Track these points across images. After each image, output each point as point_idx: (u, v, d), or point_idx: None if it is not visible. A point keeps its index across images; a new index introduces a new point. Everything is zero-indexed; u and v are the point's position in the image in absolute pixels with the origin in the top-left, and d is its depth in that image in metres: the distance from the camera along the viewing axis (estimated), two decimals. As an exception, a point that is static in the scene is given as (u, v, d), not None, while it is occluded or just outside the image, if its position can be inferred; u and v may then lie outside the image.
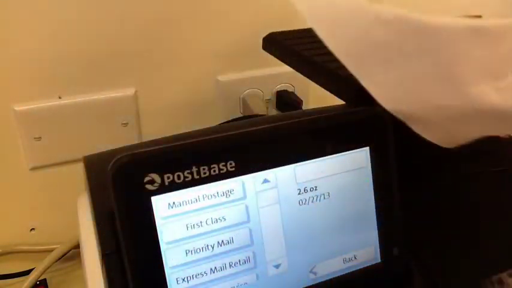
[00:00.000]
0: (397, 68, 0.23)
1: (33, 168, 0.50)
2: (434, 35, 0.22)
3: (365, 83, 0.24)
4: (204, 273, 0.27)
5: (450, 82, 0.23)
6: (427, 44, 0.22)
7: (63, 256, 0.49)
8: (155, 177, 0.25)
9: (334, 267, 0.30)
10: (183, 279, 0.26)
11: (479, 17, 0.32)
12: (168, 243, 0.26)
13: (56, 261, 0.48)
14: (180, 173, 0.25)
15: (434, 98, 0.24)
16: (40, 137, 0.48)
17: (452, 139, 0.27)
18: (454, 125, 0.25)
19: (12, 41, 0.45)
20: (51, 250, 0.49)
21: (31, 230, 0.52)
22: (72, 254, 0.50)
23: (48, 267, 0.47)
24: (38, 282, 0.47)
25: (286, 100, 0.61)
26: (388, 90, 0.24)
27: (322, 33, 0.24)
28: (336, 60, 0.27)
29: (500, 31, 0.22)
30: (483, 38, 0.22)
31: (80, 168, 0.35)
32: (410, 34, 0.22)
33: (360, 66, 0.24)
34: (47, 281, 0.50)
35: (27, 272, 0.47)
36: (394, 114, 0.26)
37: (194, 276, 0.27)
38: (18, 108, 0.47)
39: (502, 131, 0.28)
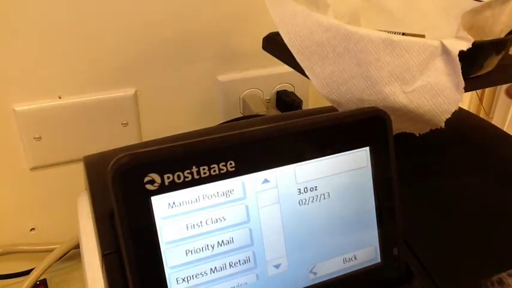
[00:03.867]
0: (331, 64, 0.30)
1: (33, 168, 0.50)
2: (357, 42, 0.29)
3: (308, 73, 0.32)
4: (204, 273, 0.27)
5: (368, 80, 0.30)
6: (352, 48, 0.29)
7: (63, 256, 0.49)
8: (155, 177, 0.25)
9: (334, 267, 0.30)
10: (183, 279, 0.26)
11: (423, 36, 0.39)
12: (168, 243, 0.26)
13: (56, 261, 0.48)
14: (180, 173, 0.25)
15: (357, 91, 0.30)
16: (40, 137, 0.48)
17: None
18: None
19: (12, 41, 0.45)
20: (51, 250, 0.49)
21: (31, 230, 0.52)
22: (72, 254, 0.50)
23: (48, 267, 0.47)
24: (38, 282, 0.47)
25: (286, 100, 0.61)
26: (323, 80, 0.31)
27: (283, 32, 0.32)
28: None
29: (405, 45, 0.28)
30: (393, 49, 0.29)
31: (80, 168, 0.35)
32: (341, 39, 0.29)
33: (305, 59, 0.31)
34: (47, 281, 0.50)
35: (27, 272, 0.48)
36: (328, 101, 0.33)
37: (194, 276, 0.27)
38: (18, 108, 0.47)
39: (413, 129, 0.33)
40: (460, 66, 0.29)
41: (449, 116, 0.30)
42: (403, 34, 0.39)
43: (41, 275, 0.47)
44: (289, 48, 0.32)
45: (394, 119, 0.29)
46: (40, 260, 0.48)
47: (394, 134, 0.31)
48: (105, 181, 0.25)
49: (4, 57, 0.45)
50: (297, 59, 0.32)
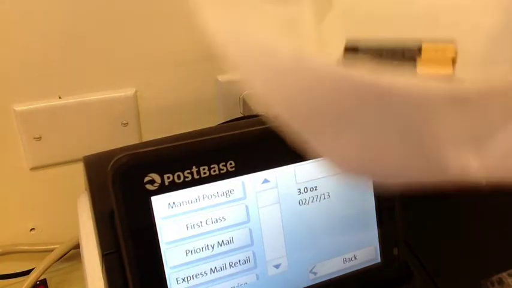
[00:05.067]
0: (353, 134, 0.19)
1: (33, 168, 0.50)
2: (399, 104, 0.18)
3: (315, 148, 0.20)
4: (204, 273, 0.27)
5: (422, 152, 0.19)
6: (389, 112, 0.18)
7: (63, 256, 0.49)
8: (155, 177, 0.25)
9: (334, 267, 0.30)
10: (183, 279, 0.26)
11: (451, 45, 0.27)
12: (168, 243, 0.26)
13: (56, 261, 0.48)
14: (180, 173, 0.25)
15: (398, 170, 0.20)
16: (40, 137, 0.48)
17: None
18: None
19: (12, 41, 0.45)
20: (51, 250, 0.49)
21: (31, 230, 0.52)
22: (72, 254, 0.50)
23: (48, 267, 0.47)
24: (38, 282, 0.47)
25: (286, 100, 0.61)
26: (343, 157, 0.20)
27: (256, 87, 0.19)
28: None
29: (482, 97, 0.18)
30: (464, 105, 0.18)
31: (80, 168, 0.35)
32: (367, 100, 0.18)
33: (306, 132, 0.20)
34: (47, 281, 0.50)
35: (27, 272, 0.47)
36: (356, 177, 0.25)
37: (194, 276, 0.27)
38: (18, 108, 0.47)
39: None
40: None
41: None
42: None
43: (41, 275, 0.47)
44: (273, 111, 0.20)
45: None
46: (40, 260, 0.48)
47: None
48: (105, 181, 0.25)
49: (4, 57, 0.45)
50: (289, 126, 0.20)
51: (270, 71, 0.18)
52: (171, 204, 0.26)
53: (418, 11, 0.30)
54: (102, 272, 0.28)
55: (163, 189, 0.25)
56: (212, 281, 0.27)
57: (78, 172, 0.36)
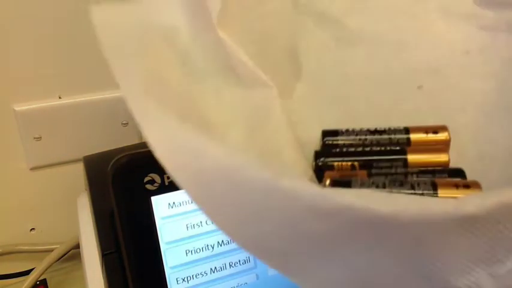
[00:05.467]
0: (341, 265, 0.17)
1: (33, 168, 0.50)
2: (393, 231, 0.15)
3: (297, 281, 0.18)
4: (204, 273, 0.27)
5: (425, 277, 0.17)
6: (384, 241, 0.15)
7: (63, 256, 0.49)
8: (155, 177, 0.25)
9: (334, 267, 0.30)
10: (183, 279, 0.26)
11: (444, 129, 0.24)
12: (168, 243, 0.26)
13: (56, 261, 0.48)
14: (180, 173, 0.25)
15: None
16: (40, 137, 0.48)
17: None
18: None
19: (12, 40, 0.45)
20: (51, 250, 0.49)
21: (31, 230, 0.52)
22: (72, 254, 0.50)
23: (48, 267, 0.47)
24: (38, 282, 0.47)
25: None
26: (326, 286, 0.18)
27: (210, 214, 0.16)
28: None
29: (497, 215, 0.15)
30: (470, 227, 0.16)
31: (80, 168, 0.35)
32: (357, 229, 0.15)
33: (282, 262, 0.17)
34: (47, 281, 0.50)
35: (27, 272, 0.47)
36: None
37: (194, 276, 0.27)
38: (18, 108, 0.47)
39: None
40: None
41: None
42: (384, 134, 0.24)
43: (41, 275, 0.47)
44: (238, 243, 0.17)
45: None
46: (40, 260, 0.48)
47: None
48: (105, 181, 0.25)
49: (4, 57, 0.45)
50: (264, 262, 0.18)
51: (231, 199, 0.15)
52: (171, 204, 0.26)
53: (395, 75, 0.27)
54: (102, 272, 0.28)
55: (163, 189, 0.25)
56: (212, 281, 0.27)
57: (78, 172, 0.36)
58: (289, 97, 0.24)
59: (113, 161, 0.24)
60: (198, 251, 0.27)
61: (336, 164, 0.22)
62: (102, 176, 0.26)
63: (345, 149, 0.22)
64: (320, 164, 0.22)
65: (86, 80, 0.49)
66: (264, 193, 0.15)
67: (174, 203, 0.26)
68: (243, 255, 0.28)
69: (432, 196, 0.19)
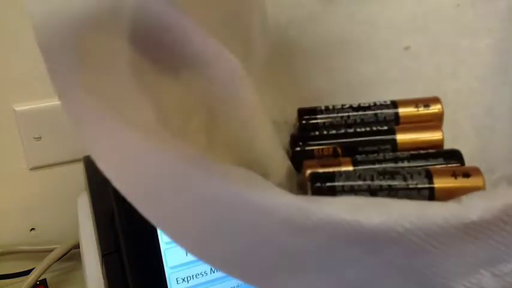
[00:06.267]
0: (328, 278, 0.15)
1: (33, 168, 0.50)
2: (391, 244, 0.14)
3: None
4: (204, 273, 0.27)
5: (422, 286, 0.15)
6: (381, 251, 0.14)
7: (63, 256, 0.49)
8: (155, 177, 0.25)
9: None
10: (183, 279, 0.26)
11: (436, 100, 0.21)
12: (168, 243, 0.26)
13: (56, 261, 0.48)
14: (180, 173, 0.25)
15: None
16: (40, 137, 0.48)
17: None
18: None
19: (12, 40, 0.45)
20: (51, 250, 0.49)
21: (31, 230, 0.52)
22: (72, 254, 0.50)
23: (48, 267, 0.47)
24: (38, 282, 0.47)
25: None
26: None
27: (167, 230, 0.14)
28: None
29: (504, 218, 0.14)
30: (475, 233, 0.15)
31: (80, 168, 0.35)
32: (353, 242, 0.13)
33: (258, 280, 0.15)
34: (47, 281, 0.50)
35: (27, 272, 0.47)
36: None
37: (194, 276, 0.27)
38: (18, 108, 0.47)
39: None
40: None
41: None
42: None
43: (41, 275, 0.47)
44: (215, 266, 0.15)
45: None
46: (40, 260, 0.48)
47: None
48: (105, 181, 0.24)
49: (4, 57, 0.45)
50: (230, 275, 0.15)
51: (196, 216, 0.14)
52: (171, 204, 0.26)
53: (379, 36, 0.24)
54: (102, 272, 0.28)
55: (163, 189, 0.25)
56: (212, 281, 0.27)
57: (78, 172, 0.36)
58: (258, 71, 0.21)
59: (113, 161, 0.24)
60: (198, 251, 0.27)
61: (315, 149, 0.19)
62: (102, 176, 0.26)
63: (325, 131, 0.20)
64: (297, 150, 0.19)
65: (86, 80, 0.49)
66: (231, 208, 0.13)
67: (174, 203, 0.26)
68: (243, 255, 0.28)
69: (427, 187, 0.17)
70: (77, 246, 0.48)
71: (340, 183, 0.17)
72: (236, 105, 0.17)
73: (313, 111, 0.20)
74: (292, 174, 0.19)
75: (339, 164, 0.18)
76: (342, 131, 0.19)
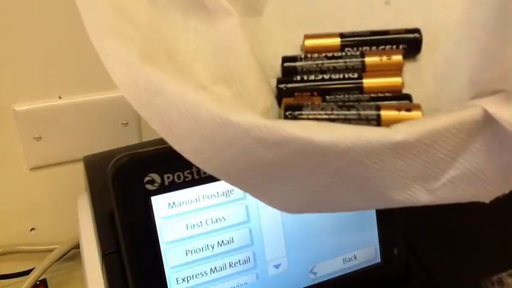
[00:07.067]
0: (293, 184, 0.19)
1: (33, 168, 0.50)
2: (337, 159, 0.17)
3: (255, 196, 0.20)
4: (204, 273, 0.27)
5: (368, 193, 0.19)
6: (329, 164, 0.17)
7: (63, 256, 0.49)
8: (155, 177, 0.25)
9: (334, 267, 0.30)
10: (183, 279, 0.26)
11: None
12: (168, 243, 0.26)
13: (56, 261, 0.48)
14: (180, 173, 0.25)
15: (350, 206, 0.20)
16: (40, 137, 0.48)
17: None
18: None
19: (12, 41, 0.45)
20: (51, 250, 0.49)
21: (31, 230, 0.52)
22: (72, 254, 0.50)
23: (48, 267, 0.47)
24: (38, 282, 0.47)
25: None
26: (287, 202, 0.20)
27: (184, 149, 0.19)
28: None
29: (428, 140, 0.17)
30: (407, 152, 0.17)
31: (80, 168, 0.35)
32: (305, 157, 0.17)
33: (244, 184, 0.19)
34: (47, 281, 0.50)
35: (27, 272, 0.47)
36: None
37: (194, 276, 0.27)
38: (18, 108, 0.47)
39: None
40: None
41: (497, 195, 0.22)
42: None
43: (41, 275, 0.47)
44: (207, 171, 0.18)
45: None
46: (40, 260, 0.48)
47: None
48: (105, 181, 0.25)
49: (4, 57, 0.45)
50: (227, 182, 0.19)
51: (193, 133, 0.18)
52: (171, 204, 0.26)
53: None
54: (102, 272, 0.28)
55: (163, 189, 0.25)
56: (212, 281, 0.27)
57: (78, 172, 0.36)
58: (259, 14, 0.25)
59: (113, 161, 0.24)
60: (198, 251, 0.27)
61: (296, 93, 0.23)
62: (102, 176, 0.26)
63: (305, 77, 0.24)
64: (280, 89, 0.23)
65: (86, 80, 0.49)
66: (218, 127, 0.17)
67: (174, 203, 0.26)
68: (243, 255, 0.28)
69: (375, 117, 0.20)
70: (77, 246, 0.48)
71: (306, 112, 0.21)
72: (232, 48, 0.22)
73: (294, 58, 0.24)
74: (274, 107, 0.22)
75: (311, 101, 0.22)
76: (319, 77, 0.23)
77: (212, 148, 0.18)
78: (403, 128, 0.17)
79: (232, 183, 0.19)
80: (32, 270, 0.47)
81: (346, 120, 0.20)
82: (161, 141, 0.30)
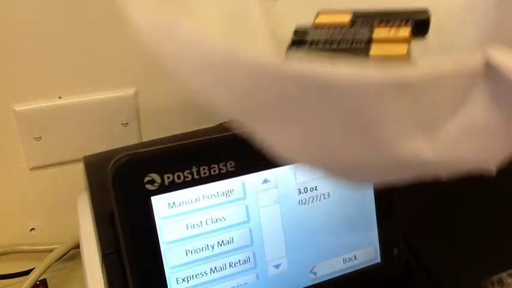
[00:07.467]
0: (298, 125, 0.19)
1: (33, 168, 0.50)
2: (339, 94, 0.17)
3: (261, 137, 0.20)
4: (204, 273, 0.27)
5: (369, 140, 0.19)
6: (331, 101, 0.18)
7: (63, 256, 0.49)
8: (155, 177, 0.25)
9: (334, 267, 0.30)
10: (183, 279, 0.26)
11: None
12: (168, 243, 0.26)
13: (56, 261, 0.48)
14: (180, 173, 0.25)
15: (353, 158, 0.20)
16: (40, 137, 0.48)
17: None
18: (381, 176, 0.22)
19: (12, 41, 0.45)
20: (51, 250, 0.49)
21: (31, 230, 0.52)
22: (72, 254, 0.50)
23: (48, 267, 0.47)
24: (38, 282, 0.47)
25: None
26: (291, 148, 0.20)
27: (194, 85, 0.19)
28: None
29: (428, 82, 0.18)
30: (408, 93, 0.18)
31: (80, 168, 0.35)
32: (307, 91, 0.18)
33: (251, 123, 0.20)
34: (47, 281, 0.50)
35: (27, 272, 0.47)
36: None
37: (194, 276, 0.27)
38: (18, 108, 0.47)
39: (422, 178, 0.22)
40: None
41: (503, 163, 0.21)
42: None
43: (41, 275, 0.47)
44: (214, 107, 0.20)
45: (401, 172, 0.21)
46: (40, 260, 0.48)
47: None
48: (105, 181, 0.25)
49: (4, 57, 0.45)
50: (233, 119, 0.20)
51: (205, 68, 0.19)
52: (171, 204, 0.26)
53: None
54: (102, 272, 0.28)
55: (163, 189, 0.25)
56: (212, 281, 0.27)
57: (78, 172, 0.36)
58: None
59: (113, 161, 0.24)
60: (198, 251, 0.27)
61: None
62: (102, 176, 0.26)
63: (313, 46, 0.25)
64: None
65: (86, 80, 0.49)
66: (225, 62, 0.17)
67: (174, 203, 0.26)
68: (243, 255, 0.28)
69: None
70: (77, 246, 0.48)
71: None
72: (246, 23, 0.25)
73: (304, 32, 0.25)
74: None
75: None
76: (327, 46, 0.24)
77: (221, 83, 0.18)
78: (408, 68, 0.17)
79: (236, 119, 0.19)
80: (32, 270, 0.47)
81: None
82: (161, 141, 0.30)
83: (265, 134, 0.20)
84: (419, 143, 0.19)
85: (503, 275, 0.30)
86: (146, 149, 0.25)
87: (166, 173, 0.25)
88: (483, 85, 0.18)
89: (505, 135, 0.20)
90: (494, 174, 0.21)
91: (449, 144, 0.19)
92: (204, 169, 0.26)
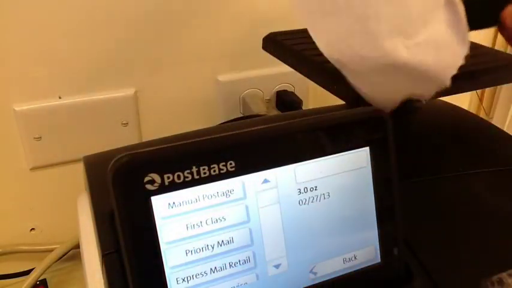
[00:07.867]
0: (331, 21, 0.28)
1: (33, 168, 0.50)
2: None
3: (311, 32, 0.30)
4: (204, 273, 0.27)
5: (368, 36, 0.27)
6: (351, 1, 0.27)
7: (63, 256, 0.49)
8: (155, 177, 0.25)
9: (334, 267, 0.30)
10: (183, 279, 0.26)
11: None
12: (168, 243, 0.26)
13: (56, 261, 0.48)
14: (180, 173, 0.25)
15: (357, 48, 0.29)
16: (40, 137, 0.48)
17: (383, 95, 0.32)
18: (378, 77, 0.30)
19: (12, 41, 0.45)
20: (51, 250, 0.49)
21: (31, 230, 0.52)
22: (72, 254, 0.50)
23: (48, 267, 0.47)
24: (38, 282, 0.47)
25: (286, 100, 0.61)
26: (325, 39, 0.30)
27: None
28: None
29: None
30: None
31: (80, 168, 0.35)
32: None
33: (307, 17, 0.30)
34: (47, 281, 0.50)
35: (27, 272, 0.48)
36: (333, 62, 0.31)
37: (194, 276, 0.27)
38: (18, 108, 0.47)
39: (418, 91, 0.31)
40: (464, 17, 0.28)
41: (455, 72, 0.29)
42: None
43: (41, 275, 0.47)
44: (293, 7, 0.30)
45: (397, 80, 0.28)
46: (40, 260, 0.48)
47: (400, 100, 0.31)
48: (105, 181, 0.25)
49: (4, 57, 0.45)
50: (301, 18, 0.30)
51: None
52: (171, 204, 0.26)
53: None
54: (102, 272, 0.28)
55: (163, 189, 0.25)
56: (212, 281, 0.27)
57: (78, 172, 0.36)
58: None
59: (113, 161, 0.24)
60: (198, 251, 0.27)
61: None
62: (102, 176, 0.26)
63: None
64: None
65: (86, 80, 0.49)
66: None
67: (174, 203, 0.26)
68: (243, 255, 0.28)
69: None
70: (77, 246, 0.49)
71: None
72: None
73: None
74: None
75: None
76: None
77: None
78: None
79: (301, 16, 0.29)
80: (32, 270, 0.47)
81: None
82: (161, 141, 0.30)
83: (315, 26, 0.29)
84: (399, 43, 0.27)
85: (503, 275, 0.30)
86: (146, 149, 0.25)
87: (166, 173, 0.25)
88: (443, 8, 0.26)
89: (454, 53, 0.28)
90: (448, 84, 0.29)
91: (419, 49, 0.27)
92: (204, 169, 0.26)
